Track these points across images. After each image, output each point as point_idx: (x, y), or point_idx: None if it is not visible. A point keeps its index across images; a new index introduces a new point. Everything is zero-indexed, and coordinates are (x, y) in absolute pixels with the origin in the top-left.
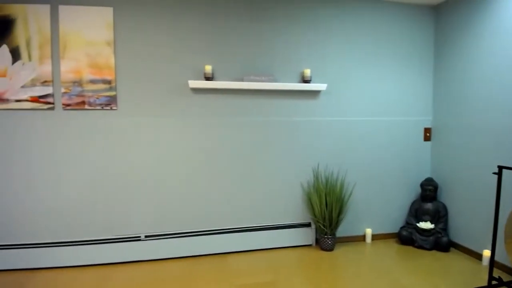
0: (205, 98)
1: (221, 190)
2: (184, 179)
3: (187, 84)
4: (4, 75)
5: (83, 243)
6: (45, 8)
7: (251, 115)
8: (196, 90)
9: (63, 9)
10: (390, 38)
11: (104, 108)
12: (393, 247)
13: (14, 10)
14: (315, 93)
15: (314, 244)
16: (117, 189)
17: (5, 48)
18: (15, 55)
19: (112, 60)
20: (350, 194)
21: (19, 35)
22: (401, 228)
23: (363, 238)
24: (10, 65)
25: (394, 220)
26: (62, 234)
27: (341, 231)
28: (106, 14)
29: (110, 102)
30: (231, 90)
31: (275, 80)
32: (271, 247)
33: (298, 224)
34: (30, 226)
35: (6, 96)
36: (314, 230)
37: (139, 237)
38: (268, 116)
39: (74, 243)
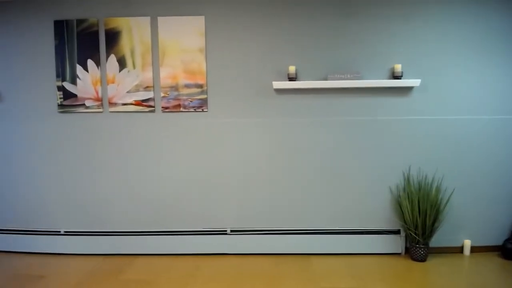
0: (289, 99)
1: (304, 190)
2: (268, 178)
3: (271, 85)
4: (112, 82)
5: (176, 234)
6: (146, 20)
7: (335, 115)
8: (280, 91)
9: (161, 20)
10: (494, 28)
11: (197, 110)
12: (495, 261)
13: (120, 23)
14: (406, 90)
15: (403, 253)
16: (207, 185)
17: (113, 58)
18: (121, 63)
19: (203, 66)
20: (447, 200)
21: (125, 45)
22: (506, 240)
23: (460, 249)
24: (117, 72)
25: (497, 231)
26: (158, 224)
27: (435, 241)
28: (198, 22)
29: (202, 105)
30: (314, 89)
31: (361, 78)
32: (356, 252)
33: (385, 231)
34: (130, 216)
35: (114, 100)
36: (403, 238)
37: (226, 231)
38: (353, 115)
39: (168, 233)
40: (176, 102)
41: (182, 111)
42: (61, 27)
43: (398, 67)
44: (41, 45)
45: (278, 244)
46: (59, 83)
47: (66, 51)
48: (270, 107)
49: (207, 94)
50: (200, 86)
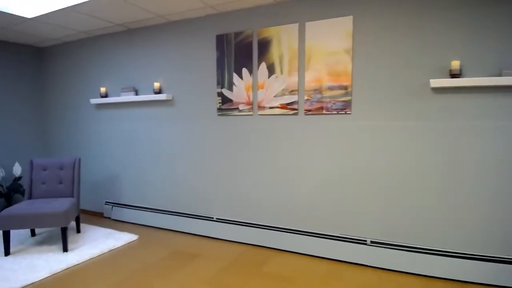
0: (448, 99)
1: (464, 209)
2: (415, 189)
3: (426, 84)
4: (262, 87)
5: (313, 235)
6: (294, 27)
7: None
8: (438, 90)
9: (309, 25)
10: None
11: (339, 112)
12: None
13: (271, 32)
14: None
15: None
16: (347, 189)
17: (263, 65)
18: (271, 70)
19: (349, 67)
20: None
21: (274, 53)
22: None
23: None
24: (266, 78)
25: None
26: (296, 224)
27: None
28: (346, 23)
29: (345, 107)
30: (483, 87)
31: None
32: None
33: None
34: (272, 211)
35: (263, 104)
36: None
37: (365, 241)
38: None
39: (306, 233)
40: (318, 105)
41: (324, 114)
42: (221, 40)
43: None
44: (206, 57)
45: (425, 264)
46: (219, 90)
47: (225, 61)
48: (425, 108)
49: (351, 96)
50: (345, 87)
